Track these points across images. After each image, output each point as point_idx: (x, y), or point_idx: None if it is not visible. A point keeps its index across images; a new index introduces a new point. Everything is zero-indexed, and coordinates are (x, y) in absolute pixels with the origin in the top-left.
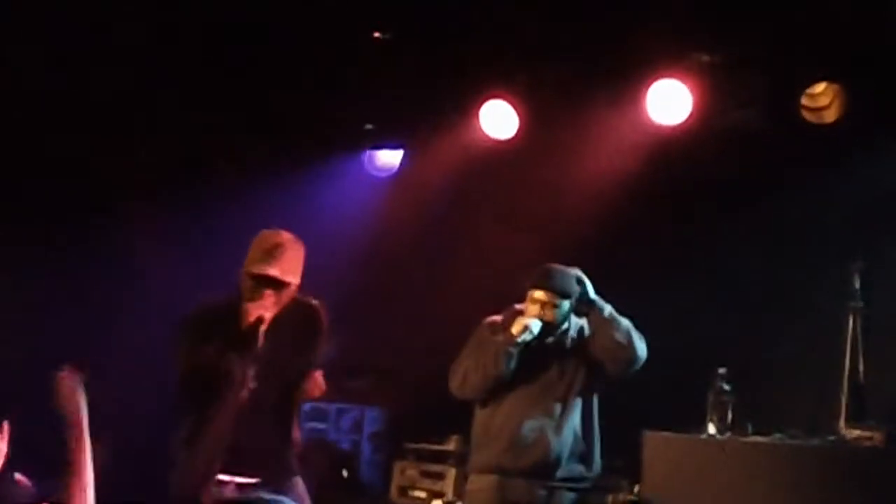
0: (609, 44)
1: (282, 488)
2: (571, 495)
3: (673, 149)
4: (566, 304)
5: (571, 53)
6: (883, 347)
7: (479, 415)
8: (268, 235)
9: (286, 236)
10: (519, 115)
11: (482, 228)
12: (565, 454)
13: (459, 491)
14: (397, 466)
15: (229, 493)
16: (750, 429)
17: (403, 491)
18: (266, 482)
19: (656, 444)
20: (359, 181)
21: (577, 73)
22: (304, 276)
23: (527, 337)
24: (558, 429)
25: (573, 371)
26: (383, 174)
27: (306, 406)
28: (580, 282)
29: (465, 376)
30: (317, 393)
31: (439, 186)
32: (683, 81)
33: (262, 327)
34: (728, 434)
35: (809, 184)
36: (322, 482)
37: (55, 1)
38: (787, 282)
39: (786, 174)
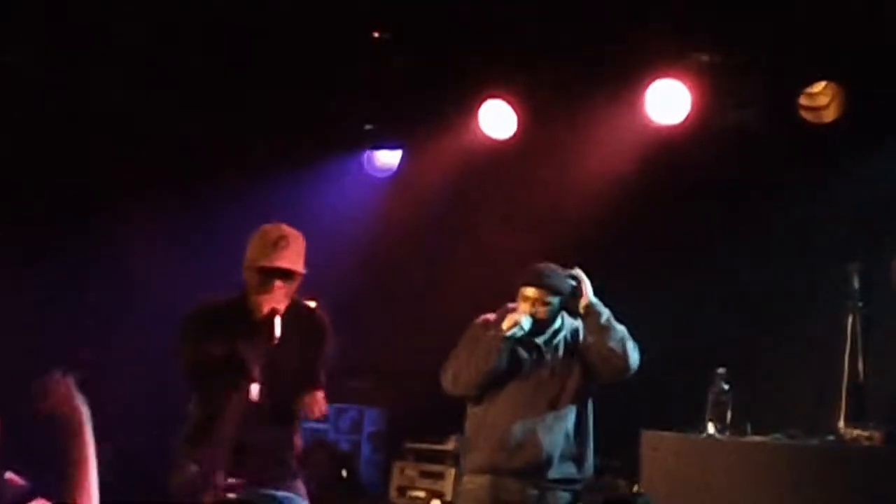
0: (608, 44)
1: (283, 488)
2: (564, 496)
3: (672, 149)
4: (557, 302)
5: (570, 53)
6: (882, 347)
7: (472, 414)
8: (269, 229)
9: (287, 229)
10: (518, 115)
11: (482, 228)
12: (557, 455)
13: (459, 491)
14: (396, 466)
15: (234, 492)
16: (749, 429)
17: (403, 491)
18: (268, 482)
19: (654, 444)
20: (359, 181)
21: (577, 73)
22: (305, 275)
23: (517, 332)
24: (550, 429)
25: (566, 372)
26: (383, 174)
27: None
28: (575, 279)
29: (456, 372)
30: (317, 413)
31: (439, 186)
32: (682, 81)
33: (277, 318)
34: (727, 434)
35: (809, 183)
36: (321, 482)
37: (55, 1)
38: (786, 281)
39: (785, 174)
